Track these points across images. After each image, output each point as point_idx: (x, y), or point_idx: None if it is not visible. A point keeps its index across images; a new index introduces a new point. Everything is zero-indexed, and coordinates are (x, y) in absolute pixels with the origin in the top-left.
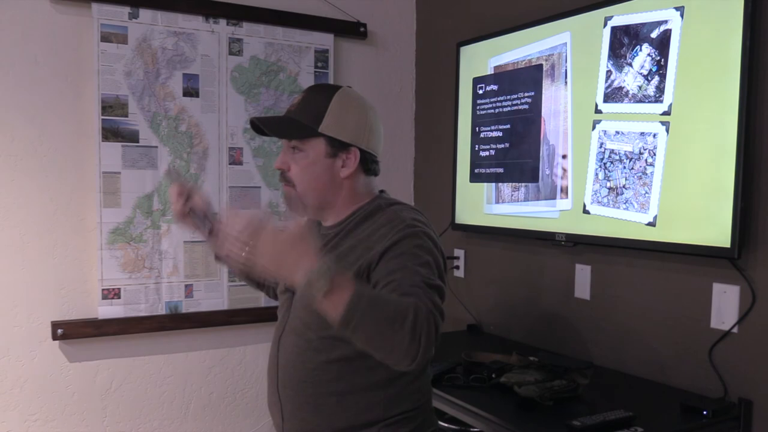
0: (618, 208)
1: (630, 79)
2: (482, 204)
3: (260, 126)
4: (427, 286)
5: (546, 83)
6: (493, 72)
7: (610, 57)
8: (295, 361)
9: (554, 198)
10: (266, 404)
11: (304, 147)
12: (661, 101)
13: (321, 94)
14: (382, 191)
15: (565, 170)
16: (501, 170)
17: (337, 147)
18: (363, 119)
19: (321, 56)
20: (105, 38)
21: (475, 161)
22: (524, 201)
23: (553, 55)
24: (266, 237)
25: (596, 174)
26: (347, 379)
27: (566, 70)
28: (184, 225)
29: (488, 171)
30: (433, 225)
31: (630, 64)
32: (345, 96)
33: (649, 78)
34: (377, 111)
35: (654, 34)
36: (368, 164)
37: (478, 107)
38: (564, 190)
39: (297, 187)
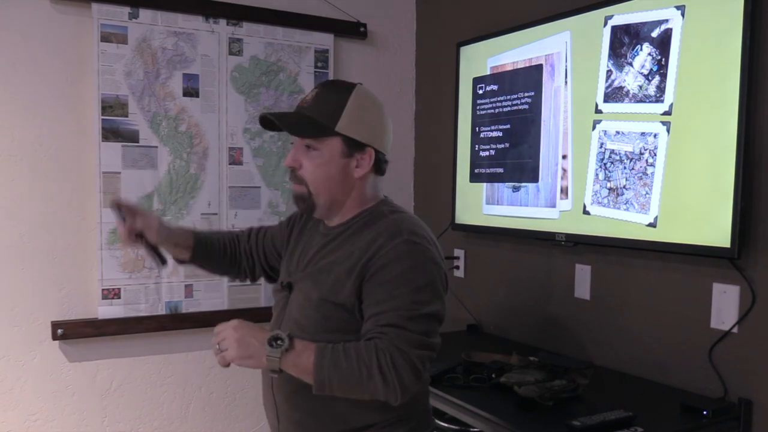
0: (618, 208)
1: (630, 79)
2: (482, 204)
3: (275, 122)
4: (410, 320)
5: (546, 83)
6: (490, 72)
7: (610, 56)
8: None
9: (554, 198)
10: None
11: (320, 146)
12: (662, 101)
13: (336, 91)
14: (385, 196)
15: (565, 170)
16: (501, 170)
17: (353, 147)
18: (378, 118)
19: (321, 56)
20: (105, 38)
21: (475, 161)
22: (524, 201)
23: (552, 54)
24: (227, 337)
25: (596, 174)
26: None
27: (566, 69)
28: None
29: (488, 171)
30: (434, 225)
31: (630, 64)
32: (361, 95)
33: (650, 78)
34: (387, 109)
35: (655, 34)
36: (380, 164)
37: (478, 107)
38: (564, 191)
39: (309, 186)
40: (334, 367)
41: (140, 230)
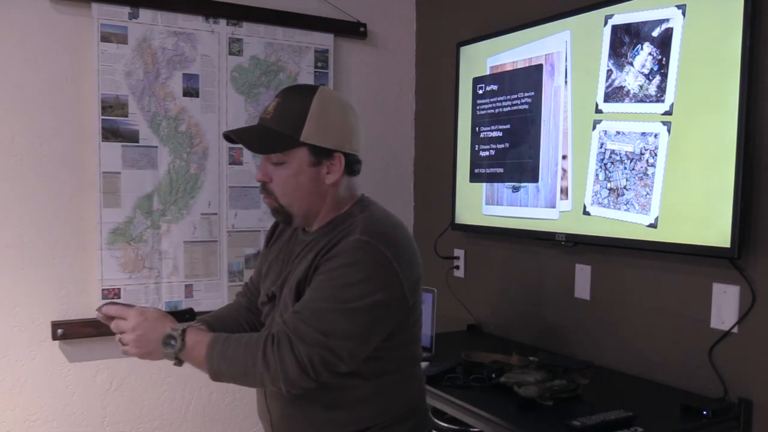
0: (619, 209)
1: (631, 79)
2: (482, 204)
3: (237, 140)
4: (316, 313)
5: (546, 83)
6: (490, 72)
7: (610, 56)
8: None
9: (554, 199)
10: None
11: (286, 158)
12: (663, 101)
13: (297, 98)
14: (362, 195)
15: (565, 171)
16: (501, 170)
17: (321, 154)
18: (344, 121)
19: (321, 56)
20: (105, 38)
21: (475, 161)
22: (524, 202)
23: (552, 54)
24: (128, 332)
25: (596, 175)
26: (336, 389)
27: (566, 69)
28: None
29: (488, 171)
30: (433, 225)
31: (631, 63)
32: (323, 98)
33: (651, 77)
34: (355, 108)
35: (655, 33)
36: (352, 166)
37: (478, 107)
38: (564, 191)
39: (280, 199)
40: (222, 357)
41: None
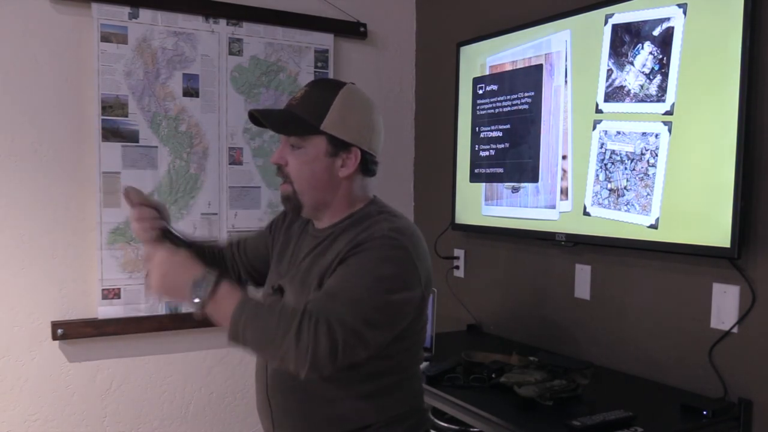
0: (619, 209)
1: (631, 78)
2: (481, 204)
3: (260, 118)
4: (353, 302)
5: (546, 83)
6: (490, 72)
7: (611, 55)
8: None
9: (554, 200)
10: None
11: (304, 144)
12: (664, 101)
13: (325, 89)
14: (374, 197)
15: (565, 171)
16: (501, 170)
17: (339, 146)
18: (366, 118)
19: (321, 56)
20: (105, 38)
21: (475, 161)
22: (524, 203)
23: (552, 54)
24: (156, 265)
25: (597, 175)
26: (339, 385)
27: (566, 69)
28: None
29: (488, 171)
30: (433, 225)
31: (631, 63)
32: (349, 93)
33: (651, 77)
34: (380, 109)
35: (656, 32)
36: (368, 165)
37: (477, 107)
38: (564, 192)
39: (294, 184)
40: (251, 319)
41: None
